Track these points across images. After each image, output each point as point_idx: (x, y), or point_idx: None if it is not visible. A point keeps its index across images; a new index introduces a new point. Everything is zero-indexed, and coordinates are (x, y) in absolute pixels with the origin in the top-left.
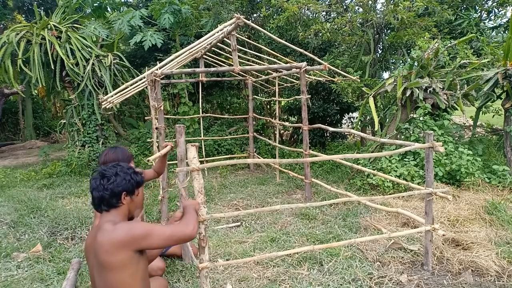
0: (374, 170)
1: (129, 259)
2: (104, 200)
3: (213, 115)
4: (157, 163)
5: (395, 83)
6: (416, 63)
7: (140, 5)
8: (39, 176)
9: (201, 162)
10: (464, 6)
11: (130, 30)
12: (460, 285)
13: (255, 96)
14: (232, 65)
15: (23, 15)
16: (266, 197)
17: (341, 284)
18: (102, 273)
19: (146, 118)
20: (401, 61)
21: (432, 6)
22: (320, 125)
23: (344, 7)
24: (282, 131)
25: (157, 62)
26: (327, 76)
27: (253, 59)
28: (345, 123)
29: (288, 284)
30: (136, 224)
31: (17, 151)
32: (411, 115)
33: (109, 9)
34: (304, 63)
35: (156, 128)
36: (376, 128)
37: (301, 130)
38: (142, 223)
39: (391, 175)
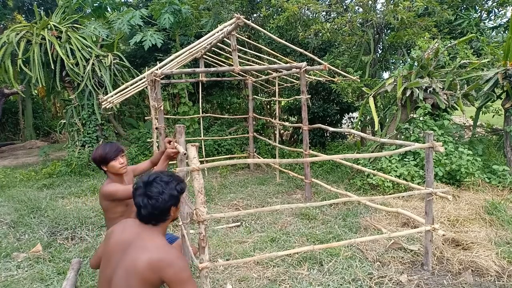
0: (374, 170)
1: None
2: (153, 218)
3: (213, 115)
4: (156, 155)
5: (395, 83)
6: (416, 63)
7: (140, 5)
8: (39, 176)
9: (201, 162)
10: (464, 6)
11: (130, 29)
12: (460, 285)
13: (255, 96)
14: (232, 65)
15: (23, 15)
16: (266, 197)
17: (341, 284)
18: (128, 280)
19: (146, 118)
20: (401, 61)
21: (432, 6)
22: (320, 125)
23: (344, 7)
24: (282, 131)
25: (157, 62)
26: (327, 76)
27: (253, 59)
28: (345, 123)
29: (288, 284)
30: (178, 261)
31: (17, 151)
32: (411, 115)
33: (109, 9)
34: (304, 63)
35: (156, 128)
36: (376, 128)
37: (301, 130)
38: (187, 266)
39: (391, 175)
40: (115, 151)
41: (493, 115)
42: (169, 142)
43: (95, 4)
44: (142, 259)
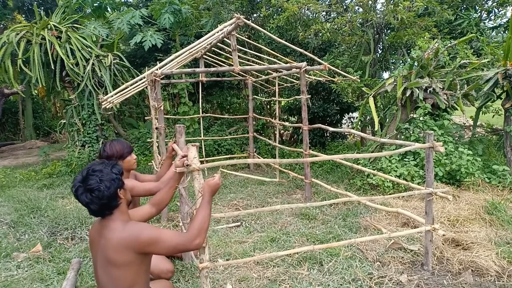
0: (374, 170)
1: (134, 259)
2: (105, 207)
3: (213, 115)
4: (162, 168)
5: (395, 83)
6: (416, 63)
7: (140, 5)
8: (39, 176)
9: (201, 162)
10: (464, 6)
11: (129, 29)
12: (460, 285)
13: (255, 96)
14: (232, 65)
15: (23, 15)
16: (266, 197)
17: (341, 284)
18: (106, 267)
19: (146, 118)
20: (401, 61)
21: (432, 6)
22: (320, 125)
23: (344, 7)
24: (282, 131)
25: (157, 62)
26: (327, 76)
27: (253, 59)
28: (345, 123)
29: (288, 284)
30: (145, 229)
31: (17, 151)
32: (411, 115)
33: (109, 9)
34: (304, 63)
35: (156, 128)
36: (376, 128)
37: (301, 130)
38: (151, 227)
39: (391, 175)
40: (130, 147)
41: (493, 115)
42: (172, 149)
43: (95, 4)
44: (112, 242)
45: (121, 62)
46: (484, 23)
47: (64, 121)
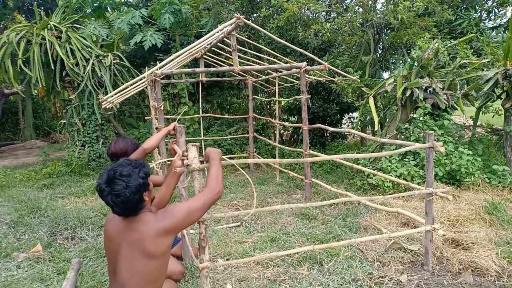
0: (374, 170)
1: (168, 246)
2: (130, 210)
3: (213, 115)
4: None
5: (395, 83)
6: (416, 63)
7: (140, 5)
8: (39, 176)
9: (201, 162)
10: (464, 6)
11: (129, 29)
12: (460, 285)
13: (255, 96)
14: (232, 65)
15: (23, 15)
16: (266, 197)
17: (341, 284)
18: (139, 261)
19: (146, 118)
20: (401, 61)
21: (432, 6)
22: (320, 125)
23: (344, 7)
24: (282, 131)
25: (157, 62)
26: (327, 76)
27: (253, 59)
28: (345, 123)
29: (288, 284)
30: (174, 209)
31: (17, 151)
32: (411, 115)
33: (109, 9)
34: (304, 63)
35: (156, 128)
36: (376, 128)
37: (301, 130)
38: (177, 205)
39: (391, 175)
40: (135, 144)
41: (493, 115)
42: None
43: (95, 4)
44: (149, 233)
45: (121, 62)
46: (484, 23)
47: (64, 121)
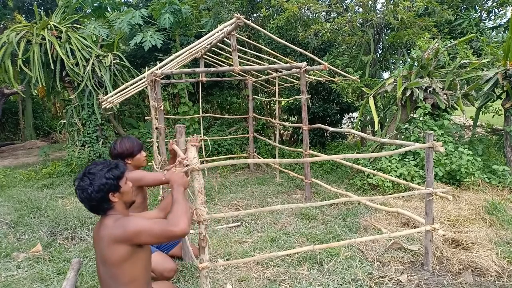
0: (374, 170)
1: (128, 253)
2: (96, 208)
3: (213, 115)
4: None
5: (395, 83)
6: (416, 63)
7: (140, 5)
8: (39, 176)
9: (201, 162)
10: (464, 6)
11: (130, 29)
12: (460, 285)
13: (255, 96)
14: (232, 65)
15: (23, 15)
16: (266, 197)
17: (341, 284)
18: (104, 265)
19: (146, 118)
20: (401, 61)
21: (432, 6)
22: (320, 125)
23: (344, 7)
24: (282, 131)
25: (157, 62)
26: (327, 76)
27: (253, 59)
28: (345, 123)
29: (288, 284)
30: (130, 222)
31: (17, 151)
32: (411, 115)
33: (109, 9)
34: (304, 63)
35: (156, 128)
36: (376, 128)
37: (301, 130)
38: (136, 219)
39: (391, 175)
40: (140, 145)
41: (493, 115)
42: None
43: (95, 4)
44: (104, 239)
45: (121, 62)
46: (484, 23)
47: (64, 121)
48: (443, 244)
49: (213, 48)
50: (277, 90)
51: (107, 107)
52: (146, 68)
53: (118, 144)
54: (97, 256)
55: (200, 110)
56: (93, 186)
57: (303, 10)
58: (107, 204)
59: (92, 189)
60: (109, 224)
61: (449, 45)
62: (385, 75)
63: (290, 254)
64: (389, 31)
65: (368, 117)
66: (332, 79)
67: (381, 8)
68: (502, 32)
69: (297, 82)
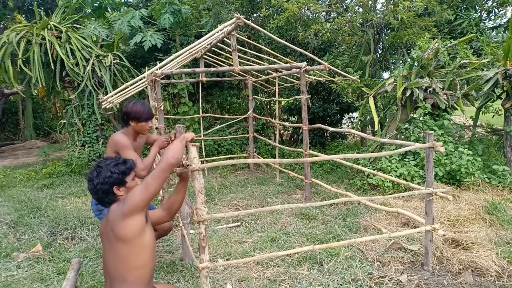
0: (374, 170)
1: (141, 225)
2: (102, 200)
3: (213, 115)
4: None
5: (395, 83)
6: (416, 63)
7: (140, 5)
8: (39, 176)
9: (201, 162)
10: (464, 6)
11: (130, 30)
12: (460, 285)
13: (255, 96)
14: (232, 65)
15: (23, 15)
16: (266, 197)
17: (341, 284)
18: (116, 248)
19: None
20: (401, 61)
21: (432, 6)
22: (320, 125)
23: (344, 7)
24: (282, 131)
25: (157, 62)
26: (327, 76)
27: (253, 59)
28: (345, 123)
29: (288, 284)
30: (129, 195)
31: (17, 151)
32: (411, 115)
33: (109, 9)
34: (304, 63)
35: (156, 128)
36: (376, 128)
37: (301, 130)
38: (132, 192)
39: (391, 175)
40: (150, 114)
41: (493, 115)
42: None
43: (95, 4)
44: (117, 218)
45: (121, 62)
46: (484, 23)
47: (64, 121)
48: (443, 244)
49: (213, 48)
50: (277, 90)
51: (107, 107)
52: (146, 68)
53: (131, 104)
54: (105, 247)
55: (200, 110)
56: (98, 178)
57: (303, 10)
58: (112, 197)
59: (98, 180)
60: (115, 208)
61: (449, 45)
62: (385, 75)
63: (290, 254)
64: (389, 31)
65: (368, 117)
66: (332, 79)
67: (381, 8)
68: (502, 32)
69: (297, 82)
